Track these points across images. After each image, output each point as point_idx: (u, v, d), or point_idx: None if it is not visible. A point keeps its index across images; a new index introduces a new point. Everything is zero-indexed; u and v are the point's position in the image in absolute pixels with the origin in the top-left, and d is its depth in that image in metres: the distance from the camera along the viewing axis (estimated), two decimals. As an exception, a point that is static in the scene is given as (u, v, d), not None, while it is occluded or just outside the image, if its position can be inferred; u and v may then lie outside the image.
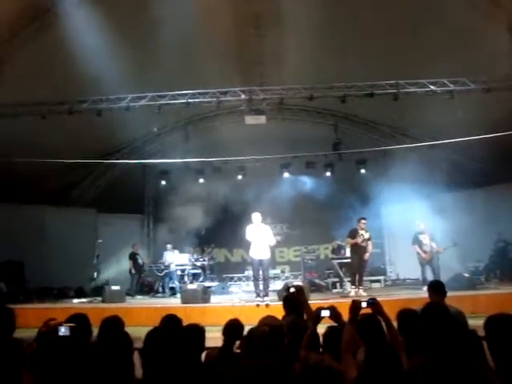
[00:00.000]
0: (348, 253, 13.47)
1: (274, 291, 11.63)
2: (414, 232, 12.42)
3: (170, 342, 3.16)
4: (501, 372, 2.61)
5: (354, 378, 2.86)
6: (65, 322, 3.46)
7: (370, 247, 11.99)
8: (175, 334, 3.52)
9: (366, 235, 11.91)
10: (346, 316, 3.81)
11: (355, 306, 3.49)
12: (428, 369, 2.57)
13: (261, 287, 10.93)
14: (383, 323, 3.52)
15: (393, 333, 3.44)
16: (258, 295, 10.84)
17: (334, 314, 3.79)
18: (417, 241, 12.10)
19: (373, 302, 3.59)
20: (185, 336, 3.57)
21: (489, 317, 2.99)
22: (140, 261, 14.94)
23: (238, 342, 4.01)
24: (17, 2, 10.70)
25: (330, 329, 3.77)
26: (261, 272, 10.97)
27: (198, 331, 3.72)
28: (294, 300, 4.71)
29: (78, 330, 3.17)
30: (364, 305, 3.53)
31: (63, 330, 3.07)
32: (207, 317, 9.09)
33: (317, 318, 3.71)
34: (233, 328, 4.16)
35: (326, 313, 3.72)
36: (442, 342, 2.84)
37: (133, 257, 14.79)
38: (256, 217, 10.91)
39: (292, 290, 4.78)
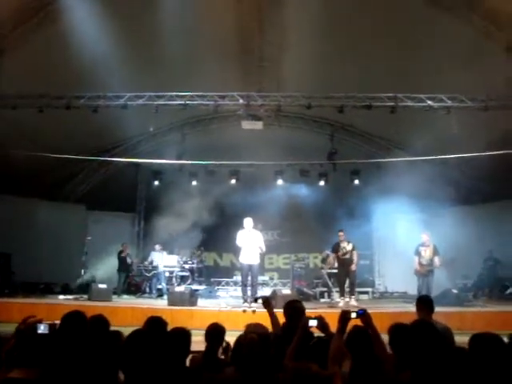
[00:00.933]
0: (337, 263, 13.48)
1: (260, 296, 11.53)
2: (414, 244, 12.39)
3: (153, 344, 3.11)
4: None
5: None
6: (61, 320, 3.42)
7: (354, 257, 12.09)
8: (160, 337, 3.48)
9: (349, 246, 12.11)
10: (332, 326, 3.80)
11: (344, 316, 3.46)
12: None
13: (249, 293, 11.00)
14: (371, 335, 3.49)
15: (380, 346, 3.40)
16: (246, 301, 10.89)
17: (322, 323, 3.77)
18: (417, 252, 12.09)
19: (362, 313, 3.56)
20: (170, 339, 3.53)
21: (474, 335, 3.00)
22: (129, 260, 14.83)
23: (221, 348, 4.00)
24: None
25: (316, 339, 3.74)
26: (249, 278, 11.11)
27: (183, 335, 3.69)
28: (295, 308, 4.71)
29: (56, 329, 3.12)
30: (353, 315, 3.50)
31: (42, 328, 3.02)
32: (194, 320, 9.05)
33: (304, 327, 3.68)
34: (215, 332, 4.14)
35: (313, 322, 3.70)
36: (428, 358, 2.84)
37: (121, 256, 14.69)
38: (248, 222, 11.15)
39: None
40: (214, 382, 2.88)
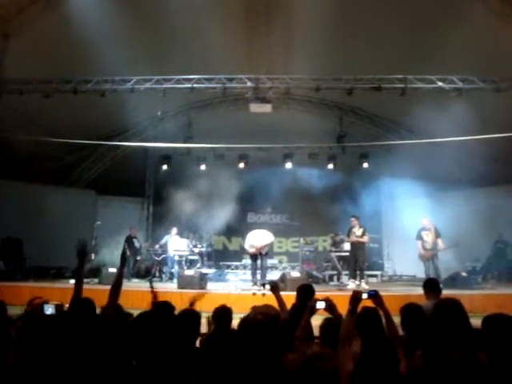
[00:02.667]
0: (347, 246, 13.49)
1: (270, 280, 11.59)
2: (417, 228, 12.37)
3: (160, 326, 3.12)
4: (495, 369, 2.60)
5: (350, 370, 2.83)
6: (69, 306, 3.43)
7: (365, 239, 12.19)
8: (167, 319, 3.49)
9: (359, 232, 12.14)
10: (341, 309, 3.79)
11: (356, 296, 3.45)
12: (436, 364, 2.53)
13: (258, 276, 11.22)
14: (382, 317, 3.49)
15: (392, 327, 3.40)
16: (255, 284, 10.92)
17: (329, 305, 3.77)
18: (419, 237, 12.05)
19: (374, 294, 3.55)
20: (179, 321, 3.55)
21: (487, 316, 2.98)
22: (137, 244, 14.88)
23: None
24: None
25: (327, 320, 3.74)
26: (258, 261, 11.37)
27: (193, 317, 3.71)
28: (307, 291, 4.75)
29: (64, 310, 3.13)
30: (365, 296, 3.49)
31: (49, 309, 3.03)
32: (203, 303, 9.06)
33: (312, 309, 3.68)
34: (223, 314, 4.18)
35: (321, 304, 3.70)
36: (453, 337, 2.80)
37: (129, 240, 14.74)
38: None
39: (267, 286, 4.84)
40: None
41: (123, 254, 5.63)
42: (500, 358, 2.67)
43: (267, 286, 4.88)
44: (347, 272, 13.31)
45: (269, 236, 11.67)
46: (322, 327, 3.77)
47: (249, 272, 15.72)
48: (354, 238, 12.25)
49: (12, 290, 10.31)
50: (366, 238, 12.29)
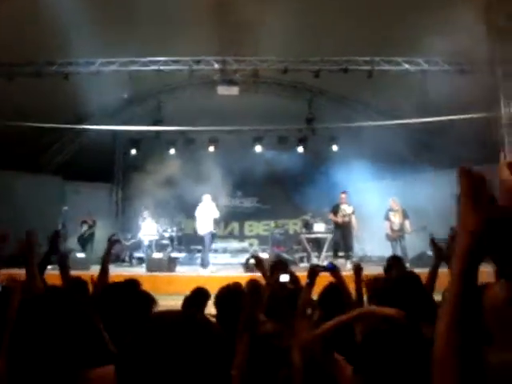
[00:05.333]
0: (316, 228, 13.58)
1: (240, 264, 11.71)
2: (385, 208, 12.52)
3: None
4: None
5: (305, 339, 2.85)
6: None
7: (353, 221, 12.08)
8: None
9: (349, 209, 12.04)
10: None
11: (313, 269, 3.48)
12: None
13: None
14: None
15: (348, 297, 3.46)
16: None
17: (292, 278, 3.82)
18: (387, 217, 12.21)
19: (332, 268, 3.57)
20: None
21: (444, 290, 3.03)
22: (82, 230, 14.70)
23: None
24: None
25: (286, 292, 3.77)
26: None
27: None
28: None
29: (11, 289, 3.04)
30: (322, 269, 3.52)
31: None
32: (173, 285, 9.09)
33: (276, 282, 3.73)
34: (197, 295, 4.16)
35: (285, 277, 3.75)
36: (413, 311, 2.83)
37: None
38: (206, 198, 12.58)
39: (251, 261, 4.81)
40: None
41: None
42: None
43: (251, 261, 4.83)
44: (317, 253, 13.45)
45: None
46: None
47: (220, 256, 15.87)
48: (342, 218, 12.00)
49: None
50: (354, 221, 12.07)
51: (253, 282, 3.20)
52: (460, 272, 1.09)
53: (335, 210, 12.21)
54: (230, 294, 3.92)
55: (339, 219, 11.96)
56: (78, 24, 10.46)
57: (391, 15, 10.89)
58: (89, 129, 15.06)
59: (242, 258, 13.97)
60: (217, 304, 3.63)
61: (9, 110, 12.35)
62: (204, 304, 4.11)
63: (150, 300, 3.45)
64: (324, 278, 3.66)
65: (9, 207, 13.97)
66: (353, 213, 12.07)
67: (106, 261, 4.33)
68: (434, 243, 4.28)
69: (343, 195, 12.29)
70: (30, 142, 14.67)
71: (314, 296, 3.66)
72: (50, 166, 16.63)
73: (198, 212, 12.54)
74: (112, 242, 4.56)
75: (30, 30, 10.72)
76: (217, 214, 12.64)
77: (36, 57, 11.40)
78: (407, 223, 11.92)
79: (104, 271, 4.21)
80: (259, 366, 2.43)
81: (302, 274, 8.07)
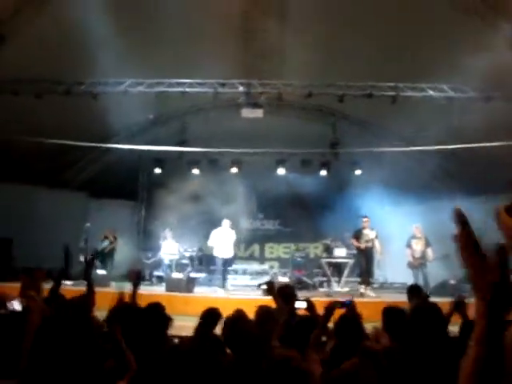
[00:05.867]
0: (337, 253, 13.49)
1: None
2: (408, 235, 12.34)
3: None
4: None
5: (319, 373, 2.83)
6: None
7: (377, 246, 11.88)
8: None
9: (372, 234, 11.82)
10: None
11: (331, 306, 3.52)
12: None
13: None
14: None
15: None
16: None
17: (309, 305, 3.79)
18: (409, 244, 12.05)
19: (349, 304, 3.60)
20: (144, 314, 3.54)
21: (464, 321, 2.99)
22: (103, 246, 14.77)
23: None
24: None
25: (301, 318, 3.77)
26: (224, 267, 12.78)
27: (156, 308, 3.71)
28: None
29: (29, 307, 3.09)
30: (340, 306, 3.59)
31: (14, 305, 3.00)
32: (190, 306, 9.07)
33: (292, 309, 3.72)
34: (209, 315, 4.18)
35: (301, 304, 3.74)
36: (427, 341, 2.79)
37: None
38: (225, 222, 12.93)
39: (263, 287, 4.77)
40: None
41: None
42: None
43: (263, 287, 4.80)
44: (337, 278, 13.33)
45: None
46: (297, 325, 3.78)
47: (239, 277, 15.83)
48: (365, 244, 11.78)
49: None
50: (378, 246, 11.87)
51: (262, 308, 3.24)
52: (481, 336, 1.08)
53: (357, 235, 12.00)
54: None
55: (362, 245, 11.75)
56: (107, 45, 10.72)
57: (416, 41, 10.90)
58: (114, 147, 15.29)
59: (261, 280, 13.92)
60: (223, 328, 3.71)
61: (35, 127, 12.65)
62: (215, 325, 4.14)
63: (167, 320, 3.54)
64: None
65: (33, 222, 14.24)
66: (376, 237, 11.88)
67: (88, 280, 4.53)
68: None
69: (365, 219, 12.11)
70: (56, 159, 14.98)
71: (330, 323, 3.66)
72: (74, 183, 16.91)
73: (215, 235, 12.80)
74: (89, 262, 4.73)
75: (60, 50, 11.03)
76: (234, 238, 12.96)
77: (65, 76, 11.68)
78: (429, 251, 11.73)
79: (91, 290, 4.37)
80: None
81: (321, 299, 8.04)
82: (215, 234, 12.80)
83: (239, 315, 3.66)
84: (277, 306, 4.51)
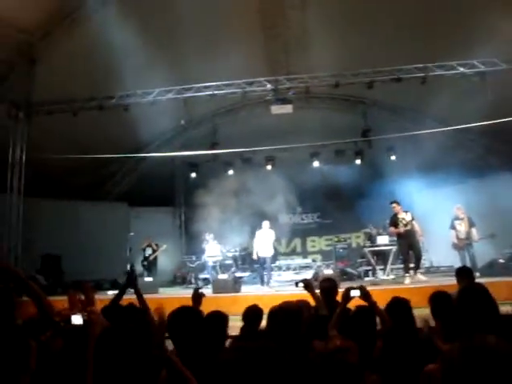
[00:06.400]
0: (380, 240, 13.37)
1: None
2: (451, 217, 12.07)
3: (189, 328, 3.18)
4: None
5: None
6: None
7: (417, 227, 11.38)
8: (196, 322, 3.52)
9: (408, 217, 11.38)
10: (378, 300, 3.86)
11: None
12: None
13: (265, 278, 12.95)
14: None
15: (384, 319, 3.67)
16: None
17: (364, 293, 3.82)
18: (453, 226, 11.80)
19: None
20: (207, 323, 3.60)
21: None
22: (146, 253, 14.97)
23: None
24: (47, 2, 10.98)
25: (358, 308, 3.81)
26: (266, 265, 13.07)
27: (220, 318, 3.77)
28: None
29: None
30: (356, 294, 3.81)
31: (76, 319, 3.08)
32: (237, 306, 9.14)
33: (347, 297, 3.78)
34: (252, 313, 4.24)
35: (356, 292, 3.77)
36: (479, 326, 2.74)
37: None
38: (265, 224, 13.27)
39: (300, 285, 4.84)
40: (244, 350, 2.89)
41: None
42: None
43: (300, 285, 4.89)
44: (382, 266, 13.21)
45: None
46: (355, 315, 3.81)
47: (283, 273, 15.88)
48: (403, 228, 11.29)
49: (53, 303, 10.57)
50: (418, 228, 11.37)
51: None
52: None
53: (394, 221, 11.52)
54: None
55: (401, 230, 11.38)
56: (133, 57, 10.95)
57: (441, 19, 10.71)
58: (149, 156, 15.56)
59: (306, 275, 13.93)
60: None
61: (74, 144, 13.02)
62: (258, 321, 4.21)
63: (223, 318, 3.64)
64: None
65: (79, 234, 14.63)
66: (413, 219, 11.47)
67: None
68: None
69: (395, 204, 11.67)
70: (95, 172, 15.37)
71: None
72: (114, 194, 17.30)
73: (258, 237, 13.15)
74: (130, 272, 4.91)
75: (90, 66, 11.32)
76: (273, 238, 13.33)
77: (97, 92, 11.97)
78: (474, 231, 11.44)
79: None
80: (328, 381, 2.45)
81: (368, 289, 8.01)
82: (258, 235, 13.20)
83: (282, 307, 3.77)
84: (316, 302, 4.58)
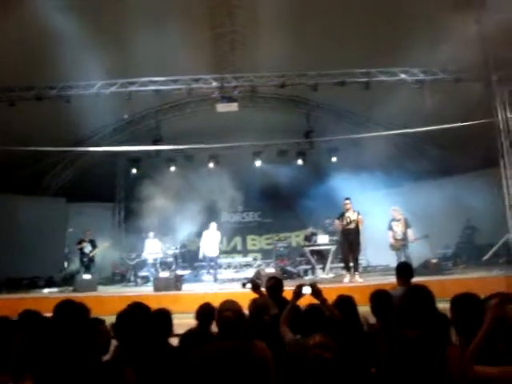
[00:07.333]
0: (320, 240, 13.62)
1: (245, 279, 11.70)
2: (388, 219, 12.46)
3: (139, 325, 3.15)
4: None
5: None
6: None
7: (360, 226, 11.51)
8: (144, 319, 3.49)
9: (353, 216, 11.50)
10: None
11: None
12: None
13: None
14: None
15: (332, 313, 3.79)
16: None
17: (315, 291, 3.89)
18: (390, 227, 12.19)
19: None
20: (153, 320, 3.57)
21: (454, 296, 3.12)
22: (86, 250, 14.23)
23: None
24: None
25: (310, 306, 3.86)
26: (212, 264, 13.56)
27: (165, 316, 3.76)
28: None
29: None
30: (307, 291, 3.91)
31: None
32: (179, 304, 9.08)
33: (298, 294, 3.84)
34: (205, 311, 4.22)
35: (307, 289, 3.84)
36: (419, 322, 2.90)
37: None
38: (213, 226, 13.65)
39: (248, 285, 4.88)
40: (198, 358, 2.91)
41: None
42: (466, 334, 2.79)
43: (248, 285, 4.91)
44: (321, 265, 13.46)
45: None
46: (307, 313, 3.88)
47: (224, 271, 15.91)
48: (342, 225, 11.43)
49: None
50: (361, 218, 11.49)
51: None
52: None
53: (340, 216, 11.66)
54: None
55: (341, 224, 11.52)
56: (77, 48, 10.59)
57: (385, 27, 11.02)
58: (90, 150, 15.12)
59: (247, 273, 14.03)
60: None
61: (10, 135, 12.44)
62: (211, 320, 4.21)
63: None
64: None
65: (14, 230, 14.01)
66: (358, 214, 11.58)
67: None
68: None
69: (347, 201, 11.80)
70: (32, 166, 14.76)
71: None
72: (52, 189, 16.69)
73: (205, 237, 13.57)
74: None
75: (29, 54, 10.83)
76: (219, 239, 13.89)
77: (36, 82, 11.51)
78: (410, 232, 11.89)
79: None
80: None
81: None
82: (205, 235, 13.60)
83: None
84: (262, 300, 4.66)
